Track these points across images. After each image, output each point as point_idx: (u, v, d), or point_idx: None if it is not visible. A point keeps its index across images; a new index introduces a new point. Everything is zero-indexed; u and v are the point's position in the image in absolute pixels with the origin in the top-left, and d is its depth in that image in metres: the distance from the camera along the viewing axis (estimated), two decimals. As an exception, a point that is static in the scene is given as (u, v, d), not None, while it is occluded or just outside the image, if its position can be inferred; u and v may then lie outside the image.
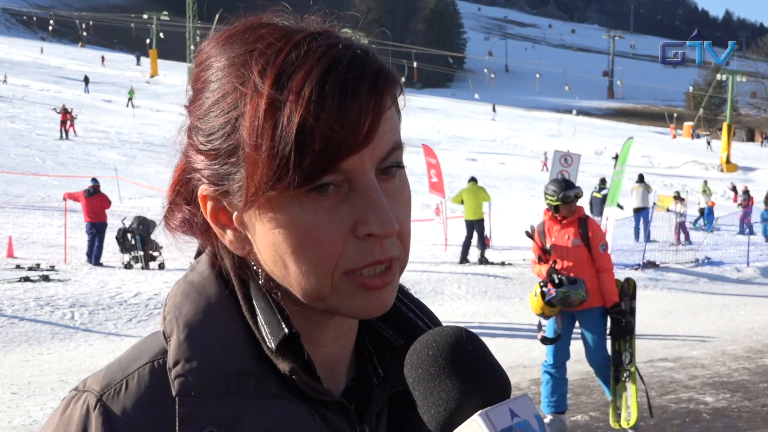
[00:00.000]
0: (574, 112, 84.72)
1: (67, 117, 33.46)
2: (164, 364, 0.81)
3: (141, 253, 14.68)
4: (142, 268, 14.46)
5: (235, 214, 0.83)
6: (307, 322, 0.86)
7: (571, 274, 6.36)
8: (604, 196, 20.92)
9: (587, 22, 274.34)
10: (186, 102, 0.87)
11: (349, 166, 0.78)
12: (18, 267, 13.48)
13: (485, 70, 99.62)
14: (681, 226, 21.83)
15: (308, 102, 0.76)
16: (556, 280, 6.29)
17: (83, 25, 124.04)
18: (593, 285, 6.34)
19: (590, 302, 6.35)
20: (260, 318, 0.83)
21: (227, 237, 0.84)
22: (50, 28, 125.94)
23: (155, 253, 14.80)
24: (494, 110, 76.16)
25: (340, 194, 0.79)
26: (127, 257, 14.85)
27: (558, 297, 6.28)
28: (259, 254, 0.83)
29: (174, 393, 0.79)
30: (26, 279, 12.11)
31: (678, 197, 23.70)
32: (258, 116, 0.77)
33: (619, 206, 21.67)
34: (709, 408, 7.32)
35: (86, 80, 58.14)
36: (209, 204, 0.84)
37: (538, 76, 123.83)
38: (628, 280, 6.60)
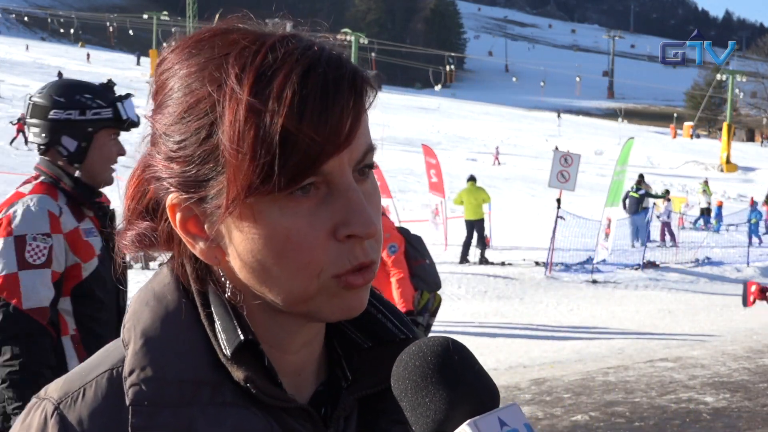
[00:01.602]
0: (621, 119, 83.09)
1: (23, 126, 32.18)
2: (122, 373, 0.81)
3: (141, 252, 14.67)
4: (142, 268, 14.46)
5: (207, 223, 0.81)
6: (277, 329, 0.85)
7: None
8: (642, 196, 20.98)
9: (587, 22, 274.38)
10: (149, 112, 0.85)
11: (330, 167, 0.78)
12: (18, 267, 13.48)
13: (452, 67, 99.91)
14: (666, 227, 21.81)
15: (290, 105, 0.75)
16: None
17: (111, 28, 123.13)
18: (386, 292, 5.82)
19: None
20: (218, 325, 0.82)
21: (198, 247, 0.82)
22: (72, 31, 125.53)
23: (155, 254, 14.79)
24: (559, 116, 75.26)
25: (319, 197, 0.79)
26: (127, 257, 14.84)
27: None
28: (233, 262, 0.81)
29: (127, 402, 0.78)
30: (26, 279, 12.11)
31: (665, 196, 23.70)
32: (238, 121, 0.75)
33: (660, 195, 21.68)
34: (709, 408, 7.32)
35: (60, 76, 58.59)
36: (178, 214, 0.82)
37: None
38: (435, 295, 6.13)
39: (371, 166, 0.84)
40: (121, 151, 2.76)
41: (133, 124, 2.73)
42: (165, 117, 0.81)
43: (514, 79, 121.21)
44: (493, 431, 0.71)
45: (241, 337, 0.80)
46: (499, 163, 40.64)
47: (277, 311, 0.83)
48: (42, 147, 2.70)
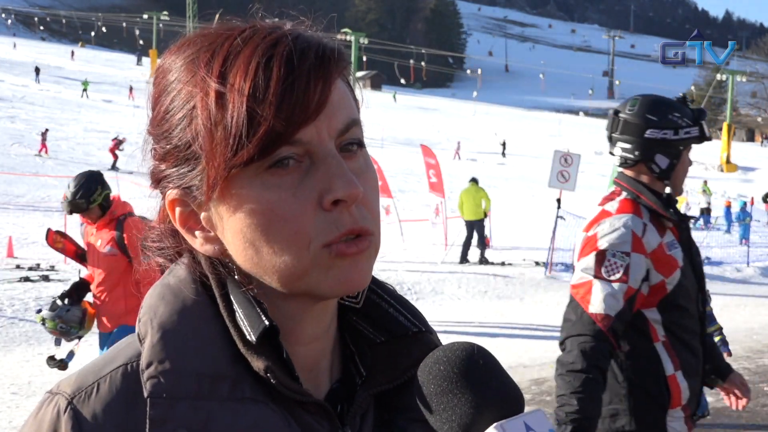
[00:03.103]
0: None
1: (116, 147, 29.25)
2: (137, 367, 0.80)
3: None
4: (142, 268, 14.46)
5: (203, 214, 0.82)
6: (284, 318, 0.84)
7: (101, 291, 5.29)
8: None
9: (587, 22, 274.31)
10: (148, 125, 0.87)
11: (307, 137, 0.78)
12: (18, 267, 13.47)
13: (411, 61, 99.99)
14: None
15: (255, 76, 0.76)
16: (56, 303, 5.35)
17: (137, 31, 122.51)
18: (134, 302, 5.07)
19: (126, 320, 5.19)
20: (239, 313, 0.82)
21: (198, 240, 0.84)
22: (93, 34, 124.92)
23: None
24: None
25: (302, 169, 0.79)
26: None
27: (41, 322, 5.32)
28: (229, 248, 0.82)
29: (145, 394, 0.78)
30: (26, 279, 12.11)
31: None
32: (209, 100, 0.77)
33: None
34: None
35: (37, 71, 59.34)
36: (178, 210, 0.84)
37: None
38: None
39: (360, 142, 0.83)
40: (691, 162, 2.90)
41: (710, 139, 2.87)
42: (155, 118, 0.84)
43: (469, 71, 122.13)
44: None
45: (266, 322, 0.80)
46: (459, 158, 40.40)
47: (280, 297, 0.83)
48: (629, 162, 2.80)
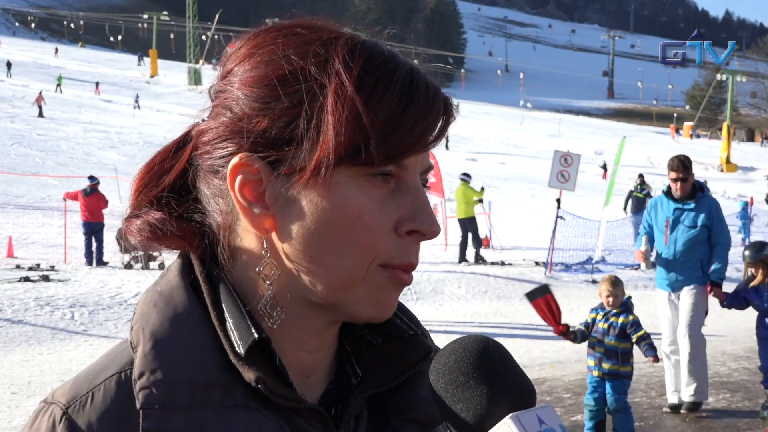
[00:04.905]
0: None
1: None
2: (131, 376, 0.80)
3: (141, 253, 14.65)
4: (142, 268, 14.46)
5: (270, 189, 0.81)
6: (301, 321, 0.84)
7: None
8: (645, 195, 20.88)
9: (587, 22, 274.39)
10: (217, 82, 0.86)
11: (408, 163, 0.81)
12: (18, 267, 13.47)
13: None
14: None
15: (401, 90, 0.79)
16: None
17: (171, 35, 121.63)
18: None
19: None
20: (229, 323, 0.81)
21: (251, 213, 0.82)
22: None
23: (155, 253, 14.77)
24: (678, 131, 74.61)
25: (389, 189, 0.81)
26: (127, 257, 14.86)
27: None
28: (291, 232, 0.81)
29: (138, 406, 0.77)
30: (26, 279, 12.11)
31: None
32: (345, 89, 0.78)
33: None
34: (709, 408, 7.32)
35: (8, 65, 59.95)
36: (240, 177, 0.81)
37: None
38: None
39: (426, 183, 0.88)
40: None
41: None
42: (251, 80, 0.82)
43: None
44: (533, 427, 0.73)
45: (255, 335, 0.80)
46: None
47: (306, 301, 0.83)
48: None
